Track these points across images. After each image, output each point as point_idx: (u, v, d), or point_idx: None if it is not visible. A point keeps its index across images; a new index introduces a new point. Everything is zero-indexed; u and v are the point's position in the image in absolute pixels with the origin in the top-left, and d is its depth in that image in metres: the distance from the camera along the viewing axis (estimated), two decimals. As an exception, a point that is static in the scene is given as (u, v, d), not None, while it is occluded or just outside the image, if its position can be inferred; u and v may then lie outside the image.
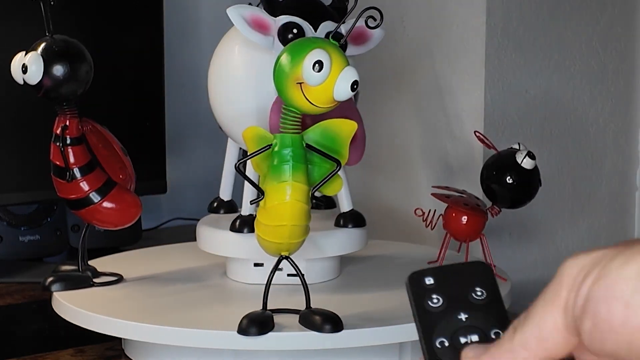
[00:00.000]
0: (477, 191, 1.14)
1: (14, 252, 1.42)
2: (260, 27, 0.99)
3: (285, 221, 0.88)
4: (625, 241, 0.48)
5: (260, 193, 0.89)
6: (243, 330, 0.90)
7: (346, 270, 1.12)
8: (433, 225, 1.11)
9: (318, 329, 0.91)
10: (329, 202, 1.18)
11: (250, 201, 0.92)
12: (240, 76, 1.03)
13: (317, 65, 0.84)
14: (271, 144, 0.88)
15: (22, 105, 1.34)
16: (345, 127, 0.90)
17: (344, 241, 1.06)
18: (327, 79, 0.84)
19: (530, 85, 1.37)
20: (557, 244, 1.42)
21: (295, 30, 0.99)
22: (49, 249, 1.45)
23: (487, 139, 1.11)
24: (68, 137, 1.01)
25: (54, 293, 1.04)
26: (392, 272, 1.13)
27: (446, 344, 0.53)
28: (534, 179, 1.08)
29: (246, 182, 0.96)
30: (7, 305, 1.25)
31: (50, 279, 1.05)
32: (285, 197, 0.87)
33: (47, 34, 1.00)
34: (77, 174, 1.02)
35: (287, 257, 0.92)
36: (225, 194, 1.15)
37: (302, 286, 0.93)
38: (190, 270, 1.13)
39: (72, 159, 1.01)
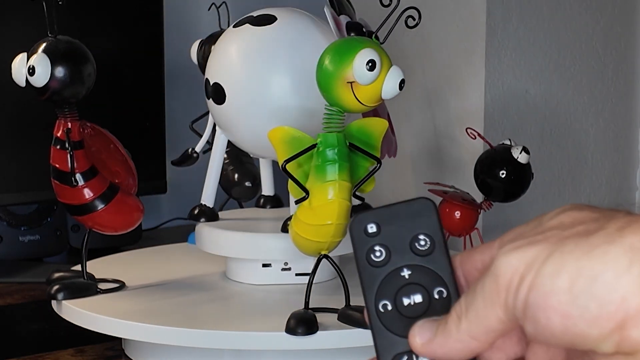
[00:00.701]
0: (468, 188, 1.14)
1: (14, 252, 1.42)
2: (338, 25, 0.96)
3: (332, 220, 0.88)
4: (547, 224, 0.48)
5: (305, 193, 0.89)
6: (291, 330, 0.90)
7: (346, 270, 1.12)
8: None
9: (360, 325, 0.91)
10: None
11: (295, 201, 0.91)
12: (238, 73, 1.03)
13: (370, 63, 0.84)
14: (316, 144, 0.88)
15: (22, 106, 1.33)
16: (379, 125, 0.92)
17: (343, 241, 1.06)
18: (377, 78, 0.85)
19: (530, 85, 1.37)
20: (557, 244, 1.42)
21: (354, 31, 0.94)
22: (49, 249, 1.45)
23: (480, 135, 1.12)
24: (64, 140, 0.99)
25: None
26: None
27: (389, 307, 0.52)
28: (527, 173, 1.11)
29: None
30: (7, 305, 1.25)
31: (56, 287, 1.02)
32: (333, 196, 0.87)
33: (49, 34, 0.98)
34: (80, 180, 0.99)
35: (326, 256, 0.92)
36: (209, 200, 1.10)
37: (308, 285, 0.94)
38: (190, 270, 1.13)
39: (64, 164, 0.99)
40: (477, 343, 0.49)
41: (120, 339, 1.04)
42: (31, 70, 0.96)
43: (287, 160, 0.89)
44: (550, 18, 1.37)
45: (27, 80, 0.97)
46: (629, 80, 1.45)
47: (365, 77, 0.85)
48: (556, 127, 1.40)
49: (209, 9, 1.21)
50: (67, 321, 1.00)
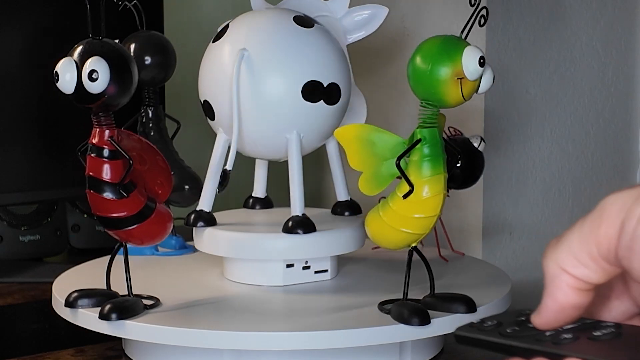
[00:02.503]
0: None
1: (14, 252, 1.42)
2: None
3: (437, 211, 0.93)
4: None
5: (410, 187, 0.92)
6: (406, 320, 0.93)
7: (345, 270, 1.12)
8: None
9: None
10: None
11: (403, 195, 0.93)
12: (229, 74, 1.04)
13: (481, 60, 0.90)
14: (420, 139, 0.92)
15: (22, 106, 1.33)
16: (442, 121, 0.97)
17: (343, 241, 1.06)
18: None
19: (530, 85, 1.37)
20: (557, 244, 1.42)
21: None
22: (49, 249, 1.45)
23: (458, 131, 1.13)
24: (107, 149, 0.94)
25: (55, 293, 1.04)
26: (392, 272, 1.13)
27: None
28: (481, 160, 1.13)
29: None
30: (7, 305, 1.25)
31: (108, 306, 0.95)
32: (442, 188, 0.92)
33: (93, 37, 0.93)
34: (124, 192, 0.94)
35: (415, 248, 0.96)
36: (207, 205, 1.09)
37: (405, 278, 0.97)
38: (189, 270, 1.13)
39: (114, 175, 0.94)
40: (567, 276, 0.49)
41: (121, 339, 1.04)
42: (94, 75, 0.90)
43: (400, 157, 0.92)
44: (550, 18, 1.37)
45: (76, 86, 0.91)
46: (629, 80, 1.45)
47: (477, 72, 0.90)
48: (556, 127, 1.40)
49: (119, 9, 1.16)
50: (67, 321, 1.00)
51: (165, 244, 1.18)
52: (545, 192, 1.40)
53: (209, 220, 1.07)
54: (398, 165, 0.92)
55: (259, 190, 1.17)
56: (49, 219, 1.45)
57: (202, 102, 1.08)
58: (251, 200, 1.18)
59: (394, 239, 0.95)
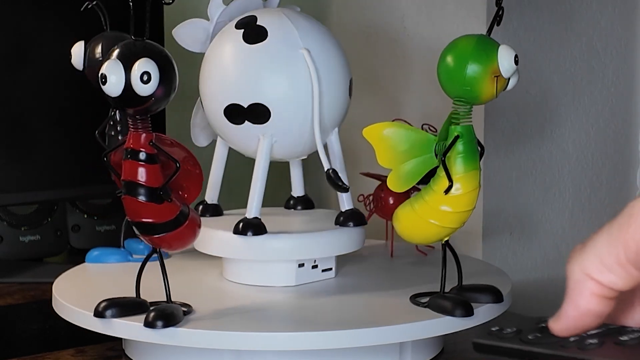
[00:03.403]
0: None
1: (14, 252, 1.42)
2: None
3: (473, 205, 0.96)
4: None
5: (450, 182, 0.94)
6: (450, 311, 0.95)
7: (345, 270, 1.12)
8: (371, 209, 1.16)
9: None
10: (307, 203, 1.18)
11: (445, 191, 0.95)
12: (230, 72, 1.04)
13: (516, 58, 0.93)
14: (458, 135, 0.94)
15: (22, 106, 1.33)
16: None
17: (343, 241, 1.06)
18: None
19: (530, 85, 1.37)
20: (558, 244, 1.42)
21: None
22: (49, 249, 1.45)
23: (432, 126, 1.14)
24: (146, 152, 0.91)
25: (55, 293, 1.04)
26: (392, 272, 1.13)
27: None
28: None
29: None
30: (7, 306, 1.25)
31: (152, 314, 0.93)
32: (477, 184, 0.95)
33: (135, 37, 0.91)
34: (163, 197, 0.92)
35: (447, 242, 0.99)
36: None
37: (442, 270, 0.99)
38: (189, 270, 1.13)
39: (154, 179, 0.92)
40: (592, 283, 0.49)
41: (121, 339, 1.04)
42: (146, 77, 0.88)
43: (444, 154, 0.94)
44: (550, 18, 1.37)
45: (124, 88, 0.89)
46: (629, 80, 1.45)
47: (512, 70, 0.93)
48: (556, 127, 1.40)
49: (82, 9, 1.12)
50: (68, 321, 1.00)
51: (134, 249, 1.16)
52: (545, 192, 1.40)
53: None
54: (443, 162, 0.94)
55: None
56: (49, 219, 1.45)
57: (249, 105, 1.04)
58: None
59: (427, 233, 0.97)
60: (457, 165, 0.95)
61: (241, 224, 1.03)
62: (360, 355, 0.97)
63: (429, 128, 1.12)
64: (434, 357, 1.04)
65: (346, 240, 1.07)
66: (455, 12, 1.36)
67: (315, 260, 1.07)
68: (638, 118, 1.47)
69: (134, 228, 0.95)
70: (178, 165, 0.92)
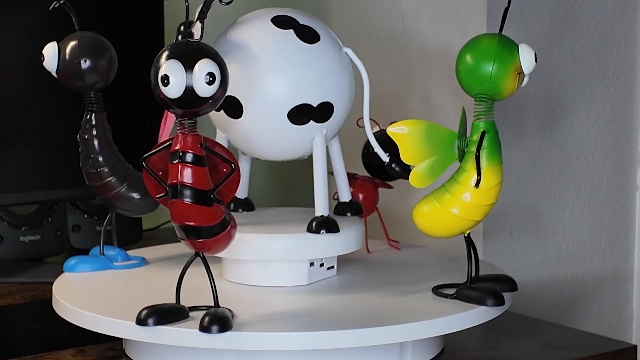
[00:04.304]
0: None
1: (15, 253, 1.42)
2: None
3: (495, 199, 1.00)
4: None
5: (479, 176, 0.98)
6: (485, 302, 0.99)
7: (345, 270, 1.12)
8: None
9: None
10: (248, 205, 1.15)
11: (475, 185, 0.98)
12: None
13: (535, 55, 0.97)
14: (485, 131, 0.98)
15: (22, 106, 1.34)
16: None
17: (343, 241, 1.07)
18: None
19: (531, 85, 1.37)
20: (558, 244, 1.42)
21: None
22: (49, 249, 1.45)
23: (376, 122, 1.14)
24: (194, 154, 0.89)
25: (55, 293, 1.04)
26: (391, 272, 1.13)
27: None
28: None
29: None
30: (8, 306, 1.25)
31: (207, 319, 0.91)
32: (500, 178, 0.99)
33: (188, 38, 0.89)
34: (217, 200, 0.91)
35: (469, 235, 1.02)
36: (241, 192, 1.12)
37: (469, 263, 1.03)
38: (190, 270, 1.13)
39: (204, 182, 0.90)
40: None
41: (121, 339, 1.04)
42: (210, 79, 0.87)
43: (478, 149, 0.98)
44: (550, 18, 1.37)
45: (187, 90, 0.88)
46: (629, 80, 1.45)
47: (533, 67, 0.97)
48: (556, 127, 1.40)
49: (50, 9, 1.08)
50: (68, 321, 1.00)
51: (110, 255, 1.14)
52: (545, 192, 1.40)
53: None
54: (478, 157, 0.97)
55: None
56: (50, 219, 1.45)
57: (319, 104, 1.05)
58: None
59: (450, 225, 1.00)
60: (482, 160, 0.98)
61: (314, 223, 1.04)
62: (360, 355, 0.97)
63: (375, 123, 1.13)
64: (435, 357, 1.04)
65: (353, 237, 1.07)
66: (455, 12, 1.36)
67: (322, 259, 1.07)
68: (638, 118, 1.47)
69: (177, 231, 0.92)
70: (234, 166, 0.91)
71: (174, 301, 0.95)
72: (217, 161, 0.92)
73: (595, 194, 1.44)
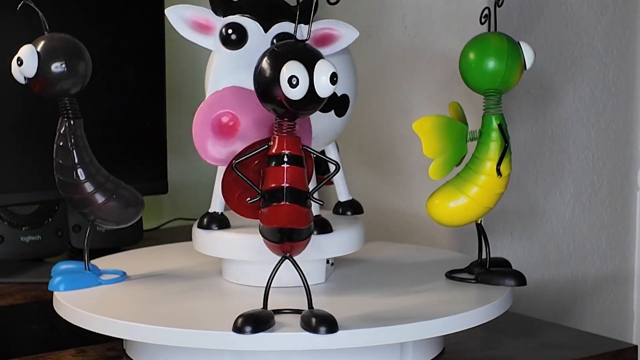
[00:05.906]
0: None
1: (15, 253, 1.42)
2: (201, 27, 1.00)
3: (505, 188, 1.05)
4: None
5: (498, 165, 1.03)
6: (501, 282, 1.06)
7: (345, 271, 1.12)
8: None
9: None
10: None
11: (498, 173, 1.03)
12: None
13: (534, 52, 1.04)
14: (500, 124, 1.03)
15: (23, 106, 1.34)
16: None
17: (343, 241, 1.07)
18: None
19: (531, 85, 1.37)
20: (558, 244, 1.42)
21: (230, 31, 1.01)
22: (50, 249, 1.45)
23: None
24: (298, 156, 0.88)
25: (55, 293, 1.04)
26: (392, 273, 1.13)
27: None
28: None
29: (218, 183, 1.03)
30: (8, 306, 1.25)
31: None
32: (511, 167, 1.05)
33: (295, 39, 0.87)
34: (314, 200, 0.90)
35: (480, 222, 1.07)
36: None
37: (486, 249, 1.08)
38: (191, 270, 1.13)
39: (305, 183, 0.89)
40: None
41: (122, 339, 1.04)
42: (335, 79, 0.86)
43: (507, 142, 1.03)
44: (550, 18, 1.37)
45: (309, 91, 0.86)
46: (629, 80, 1.45)
47: (533, 61, 1.04)
48: (556, 127, 1.40)
49: (18, 8, 1.03)
50: (68, 321, 1.00)
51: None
52: (545, 192, 1.40)
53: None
54: (507, 148, 1.03)
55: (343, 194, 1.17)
56: (50, 220, 1.45)
57: (340, 95, 1.06)
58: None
59: (466, 211, 1.05)
60: (493, 151, 1.03)
61: None
62: (361, 355, 0.97)
63: None
64: (435, 357, 1.04)
65: (354, 237, 1.07)
66: (456, 12, 1.36)
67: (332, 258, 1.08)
68: (638, 118, 1.47)
69: (267, 235, 0.90)
70: (338, 166, 0.92)
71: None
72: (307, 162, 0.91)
73: (595, 194, 1.44)
